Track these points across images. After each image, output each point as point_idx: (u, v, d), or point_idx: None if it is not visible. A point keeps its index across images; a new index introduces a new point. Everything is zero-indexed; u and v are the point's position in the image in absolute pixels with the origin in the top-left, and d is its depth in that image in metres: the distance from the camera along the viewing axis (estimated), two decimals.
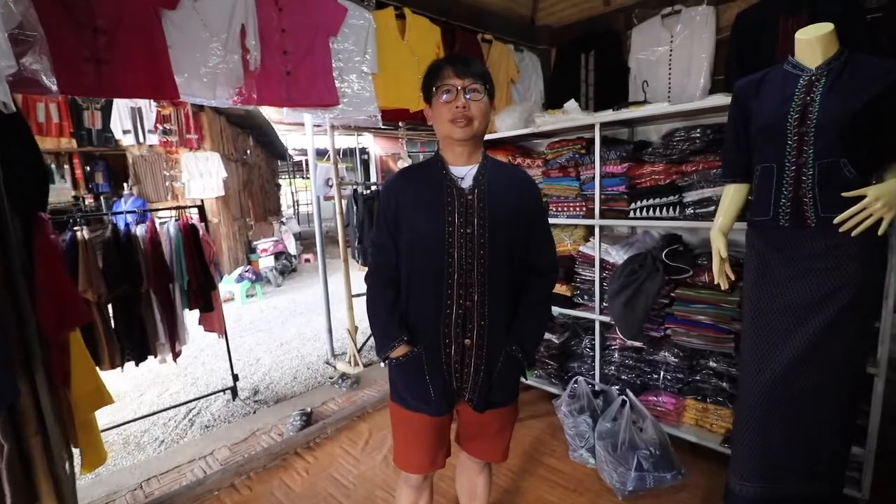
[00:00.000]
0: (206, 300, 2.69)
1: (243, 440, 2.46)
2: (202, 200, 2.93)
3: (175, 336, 2.62)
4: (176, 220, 2.61)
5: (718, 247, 1.58)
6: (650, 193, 2.10)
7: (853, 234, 1.28)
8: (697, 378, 2.12)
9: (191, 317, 2.78)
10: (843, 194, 1.29)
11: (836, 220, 1.29)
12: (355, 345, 3.40)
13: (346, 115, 2.22)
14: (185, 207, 2.77)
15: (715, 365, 2.07)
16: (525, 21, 3.36)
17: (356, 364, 3.38)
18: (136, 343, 2.50)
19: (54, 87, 1.36)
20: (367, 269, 1.36)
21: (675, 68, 2.78)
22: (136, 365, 2.51)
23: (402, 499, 1.45)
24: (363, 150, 11.21)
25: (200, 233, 2.64)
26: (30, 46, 1.25)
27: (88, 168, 6.90)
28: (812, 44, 1.39)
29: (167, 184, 6.13)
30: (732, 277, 1.57)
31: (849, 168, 1.31)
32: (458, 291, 1.20)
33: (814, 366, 1.39)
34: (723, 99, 1.82)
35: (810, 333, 1.38)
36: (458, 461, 1.54)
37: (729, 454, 1.92)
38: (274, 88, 1.98)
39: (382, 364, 1.33)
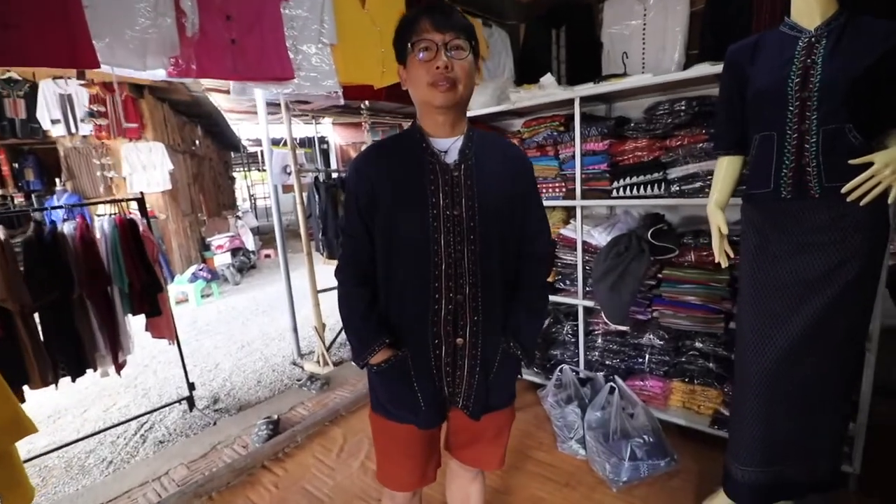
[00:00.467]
0: (151, 304, 2.41)
1: (202, 456, 2.22)
2: (142, 193, 2.62)
3: (117, 346, 2.34)
4: (112, 216, 2.30)
5: (718, 223, 1.49)
6: (633, 171, 2.00)
7: (862, 203, 1.20)
8: (683, 360, 2.06)
9: (136, 322, 2.49)
10: (850, 161, 1.21)
11: (843, 189, 1.21)
12: (323, 343, 3.19)
13: (302, 91, 2.00)
14: (121, 200, 2.45)
15: (701, 346, 2.02)
16: None
17: (325, 363, 3.18)
18: (70, 356, 2.20)
19: None
20: (334, 262, 1.16)
21: (648, 42, 2.70)
22: (73, 381, 2.22)
23: None
24: (322, 140, 10.75)
25: (140, 228, 2.34)
26: None
27: (17, 164, 6.25)
28: (810, 4, 1.30)
29: (106, 176, 5.60)
30: (732, 254, 1.48)
31: (854, 134, 1.23)
32: (446, 283, 1.04)
33: (818, 344, 1.33)
34: (709, 69, 1.73)
35: (814, 311, 1.31)
36: (447, 469, 1.38)
37: (718, 436, 1.90)
38: (217, 58, 1.74)
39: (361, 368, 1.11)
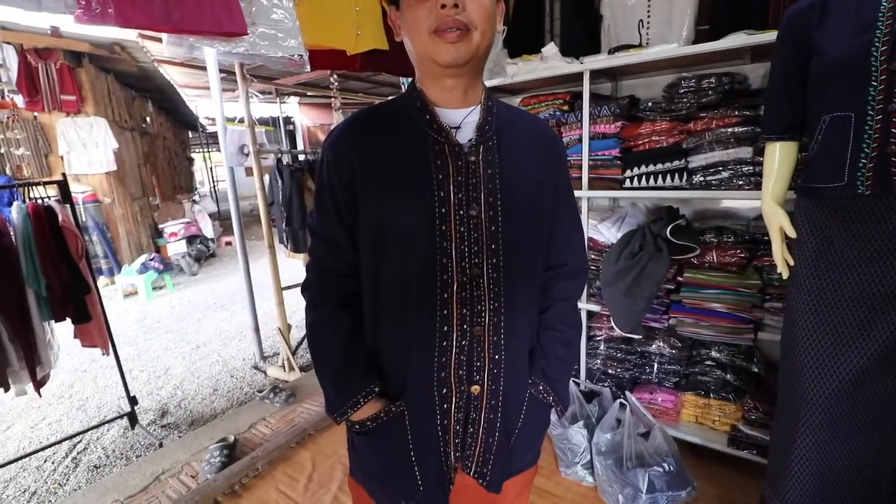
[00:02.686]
0: (77, 308, 2.00)
1: (143, 490, 1.87)
2: (64, 175, 2.18)
3: (34, 359, 1.93)
4: (20, 203, 1.87)
5: (781, 223, 1.24)
6: (650, 158, 1.74)
7: None
8: (696, 370, 1.85)
9: (60, 329, 2.09)
10: None
11: None
12: (289, 346, 2.85)
13: (258, 52, 1.62)
14: (37, 183, 2.02)
15: (718, 355, 1.81)
16: None
17: (291, 368, 2.84)
18: None
19: None
20: (299, 256, 0.86)
21: (654, 15, 2.41)
22: None
23: None
24: (287, 120, 10.12)
25: (60, 218, 1.93)
26: None
27: None
28: None
29: (14, 154, 4.91)
30: (792, 262, 1.24)
31: None
32: (460, 311, 0.74)
33: (892, 372, 1.11)
34: (746, 38, 1.48)
35: (893, 330, 1.08)
36: None
37: (738, 456, 1.70)
38: (142, 3, 1.34)
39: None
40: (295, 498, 1.79)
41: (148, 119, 7.55)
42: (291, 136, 10.94)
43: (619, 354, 2.02)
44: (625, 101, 1.81)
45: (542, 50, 1.92)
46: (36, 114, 5.03)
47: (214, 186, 13.69)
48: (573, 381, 1.98)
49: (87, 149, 5.19)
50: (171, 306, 4.67)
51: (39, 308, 1.94)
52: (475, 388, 0.77)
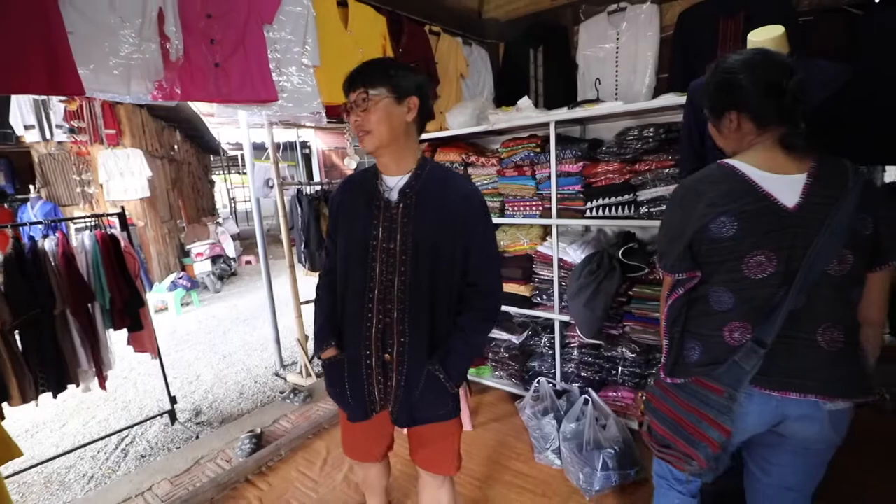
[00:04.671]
0: (133, 319, 2.41)
1: (186, 471, 2.23)
2: (123, 207, 2.62)
3: (100, 361, 2.33)
4: (92, 230, 2.30)
5: None
6: (605, 192, 2.10)
7: None
8: (653, 372, 2.16)
9: (117, 336, 2.49)
10: None
11: None
12: (306, 354, 3.22)
13: (286, 112, 2.04)
14: (103, 215, 2.45)
15: None
16: (472, 14, 3.28)
17: (308, 375, 3.20)
18: (51, 372, 2.18)
19: None
20: (315, 274, 1.35)
21: (622, 65, 2.81)
22: (54, 396, 2.20)
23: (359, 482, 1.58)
24: (304, 145, 10.71)
25: (122, 244, 2.35)
26: None
27: None
28: (765, 46, 1.41)
29: (81, 187, 5.50)
30: None
31: None
32: (377, 306, 1.19)
33: None
34: (674, 98, 1.84)
35: None
36: (419, 479, 1.45)
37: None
38: (201, 82, 1.77)
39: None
40: (312, 477, 2.13)
41: (175, 147, 8.14)
42: (308, 158, 11.51)
43: (589, 359, 2.34)
44: (585, 145, 2.18)
45: (518, 102, 2.30)
46: (79, 146, 5.59)
47: (234, 207, 14.31)
48: (548, 380, 2.30)
49: (124, 177, 5.72)
50: (199, 321, 5.10)
51: (104, 318, 2.34)
52: (387, 356, 1.21)
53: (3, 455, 1.25)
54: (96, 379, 2.34)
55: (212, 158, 13.12)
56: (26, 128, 5.11)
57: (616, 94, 2.82)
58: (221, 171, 14.18)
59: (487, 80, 3.30)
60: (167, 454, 2.51)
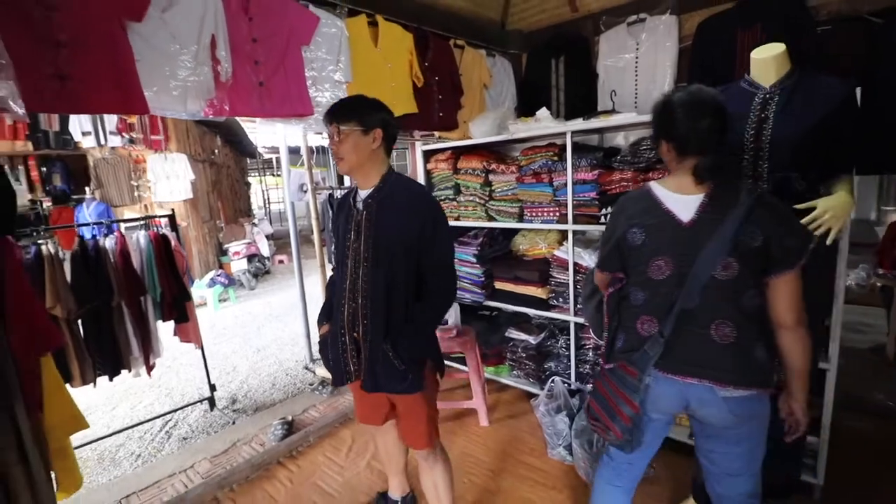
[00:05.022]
0: (180, 311, 2.64)
1: (224, 452, 2.44)
2: (173, 210, 2.86)
3: (149, 349, 2.57)
4: (146, 230, 2.55)
5: None
6: None
7: None
8: None
9: (164, 327, 2.73)
10: (795, 206, 1.39)
11: None
12: None
13: (320, 126, 2.22)
14: (154, 217, 2.70)
15: None
16: (495, 26, 3.40)
17: None
18: (107, 358, 2.44)
19: (21, 111, 1.33)
20: None
21: (641, 75, 2.88)
22: (110, 380, 2.46)
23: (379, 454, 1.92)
24: None
25: (173, 243, 2.59)
26: None
27: (45, 169, 6.60)
28: (766, 63, 1.48)
29: (134, 189, 5.94)
30: None
31: (799, 181, 1.41)
32: (348, 294, 1.48)
33: None
34: None
35: None
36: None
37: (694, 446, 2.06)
38: (246, 100, 1.96)
39: None
40: (338, 462, 2.30)
41: (216, 151, 8.58)
42: None
43: None
44: (601, 154, 2.26)
45: (537, 113, 2.41)
46: (129, 151, 6.02)
47: (268, 209, 14.86)
48: (563, 379, 2.40)
49: (169, 180, 6.11)
50: (235, 316, 5.40)
51: (154, 311, 2.59)
52: (356, 335, 1.48)
53: (72, 426, 1.45)
54: (144, 366, 2.58)
55: (248, 161, 13.68)
56: (83, 134, 5.54)
57: (635, 103, 2.89)
58: (257, 174, 14.76)
59: (510, 90, 3.41)
60: (206, 437, 2.73)
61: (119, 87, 1.64)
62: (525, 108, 3.23)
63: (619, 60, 2.92)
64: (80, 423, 1.53)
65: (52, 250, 2.21)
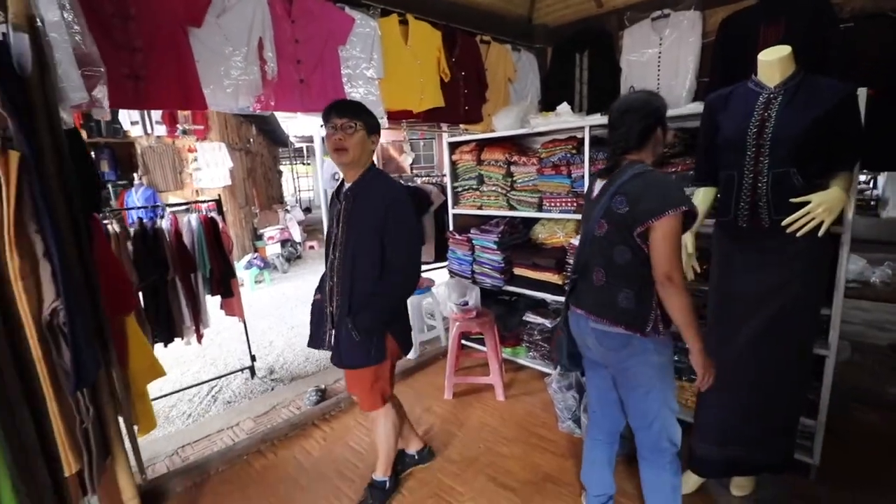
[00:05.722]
0: (226, 287, 2.92)
1: (265, 413, 2.71)
2: (220, 195, 3.13)
3: (199, 320, 2.86)
4: (196, 214, 2.82)
5: (686, 242, 1.79)
6: None
7: (797, 234, 1.49)
8: (676, 359, 2.34)
9: (211, 302, 3.01)
10: (791, 200, 1.49)
11: (783, 223, 1.50)
12: None
13: None
14: (197, 202, 2.97)
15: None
16: (522, 20, 3.50)
17: None
18: (163, 326, 2.73)
19: (107, 107, 1.56)
20: None
21: (663, 70, 2.95)
22: (165, 346, 2.75)
23: None
24: None
25: (221, 225, 2.85)
26: (97, 81, 1.44)
27: (93, 155, 7.08)
28: (773, 65, 1.58)
29: (178, 175, 6.33)
30: (699, 270, 1.78)
31: (797, 177, 1.50)
32: (329, 273, 1.73)
33: (767, 347, 1.61)
34: (698, 107, 2.00)
35: (764, 318, 1.59)
36: None
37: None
38: (289, 96, 2.17)
39: None
40: (366, 426, 2.53)
41: (251, 140, 8.95)
42: None
43: None
44: None
45: (557, 108, 2.54)
46: (173, 140, 6.40)
47: (298, 196, 15.31)
48: None
49: (209, 167, 6.48)
50: (270, 297, 5.74)
51: (204, 286, 2.87)
52: (332, 309, 1.71)
53: (151, 374, 1.71)
54: (195, 335, 2.87)
55: (279, 150, 14.13)
56: (132, 123, 5.94)
57: None
58: (288, 162, 15.23)
59: (534, 83, 3.51)
60: (249, 401, 3.01)
61: (182, 85, 1.88)
62: (548, 102, 3.34)
63: (643, 55, 2.99)
64: (157, 371, 1.80)
65: (118, 229, 2.49)
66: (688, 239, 1.80)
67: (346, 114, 1.60)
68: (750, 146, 1.57)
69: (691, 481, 1.88)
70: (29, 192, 1.12)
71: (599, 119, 2.34)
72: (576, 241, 2.61)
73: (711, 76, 2.76)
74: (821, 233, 1.47)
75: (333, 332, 1.72)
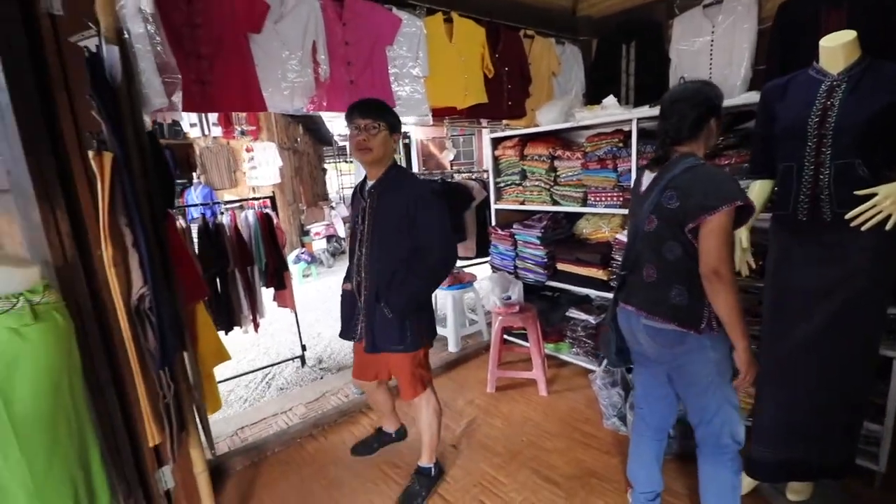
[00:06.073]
0: (279, 279, 3.08)
1: (315, 400, 2.85)
2: (273, 192, 3.29)
3: (256, 310, 3.04)
4: (254, 210, 2.99)
5: (740, 237, 1.73)
6: None
7: (863, 228, 1.42)
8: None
9: (265, 294, 3.18)
10: (856, 192, 1.42)
11: (847, 216, 1.43)
12: None
13: (401, 117, 2.47)
14: (249, 199, 3.15)
15: None
16: (566, 13, 3.46)
17: None
18: (224, 315, 2.92)
19: (181, 111, 1.70)
20: None
21: (716, 59, 2.83)
22: (226, 334, 2.94)
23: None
24: (404, 135, 11.49)
25: (275, 221, 3.01)
26: (175, 87, 1.58)
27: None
28: (836, 51, 1.51)
29: (233, 173, 6.68)
30: (754, 266, 1.72)
31: (862, 168, 1.43)
32: (356, 266, 1.80)
33: (829, 342, 1.54)
34: (753, 97, 1.93)
35: (825, 315, 1.53)
36: None
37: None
38: (339, 96, 2.27)
39: None
40: (411, 415, 2.60)
41: (298, 139, 9.29)
42: (407, 148, 12.31)
43: None
44: None
45: (603, 101, 2.51)
46: (228, 140, 6.76)
47: (342, 192, 15.73)
48: None
49: (260, 166, 6.79)
50: (317, 290, 5.97)
51: (260, 278, 3.04)
52: (360, 301, 1.79)
53: (218, 358, 1.86)
54: (252, 324, 3.05)
55: (324, 149, 14.55)
56: (191, 126, 6.33)
57: None
58: (333, 160, 15.65)
59: (579, 76, 3.47)
60: (300, 388, 3.17)
61: (243, 89, 2.00)
62: (594, 95, 3.29)
63: (693, 44, 2.89)
64: (223, 355, 1.95)
65: (183, 224, 2.69)
66: (742, 234, 1.74)
67: (369, 115, 1.67)
68: (811, 136, 1.51)
69: (745, 483, 1.83)
70: (120, 189, 1.25)
71: (648, 111, 2.30)
72: (621, 236, 2.57)
73: (768, 64, 2.63)
74: (888, 226, 1.39)
75: (364, 323, 1.79)
